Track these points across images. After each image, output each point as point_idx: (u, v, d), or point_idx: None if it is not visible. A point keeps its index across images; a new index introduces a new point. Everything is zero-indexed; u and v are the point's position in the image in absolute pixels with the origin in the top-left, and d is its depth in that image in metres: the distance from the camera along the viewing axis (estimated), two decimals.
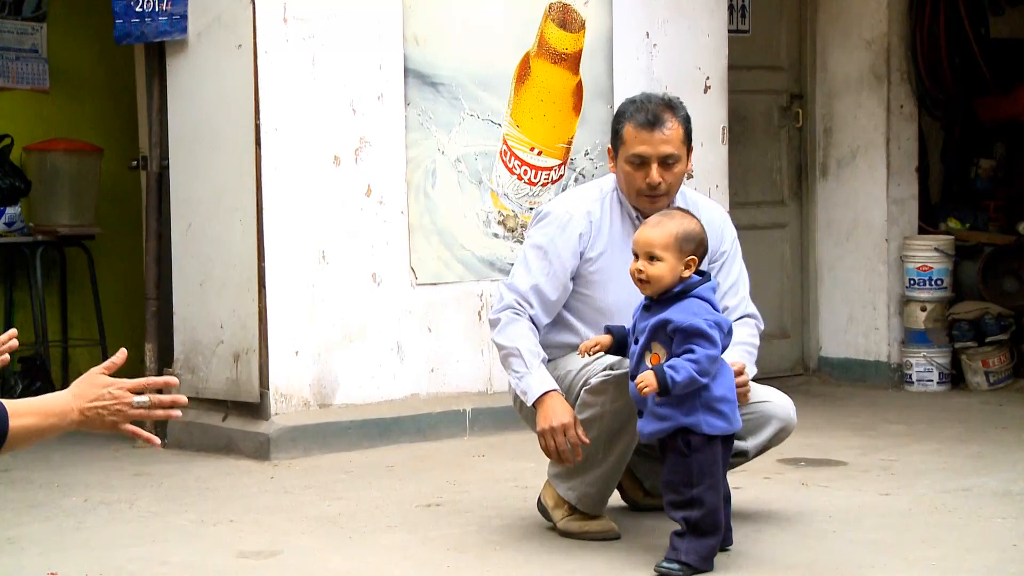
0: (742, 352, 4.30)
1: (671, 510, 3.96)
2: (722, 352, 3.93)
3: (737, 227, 4.69)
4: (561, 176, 6.62)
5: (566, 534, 4.39)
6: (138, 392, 2.99)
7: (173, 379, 3.13)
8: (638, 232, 4.01)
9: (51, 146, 7.24)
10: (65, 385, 7.23)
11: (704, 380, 3.83)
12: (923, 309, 7.75)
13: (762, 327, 4.54)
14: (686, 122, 4.34)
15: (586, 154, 6.67)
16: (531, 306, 4.35)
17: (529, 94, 6.56)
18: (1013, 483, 5.16)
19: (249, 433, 5.96)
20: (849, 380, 7.97)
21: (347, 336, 6.12)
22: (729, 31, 7.22)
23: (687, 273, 3.93)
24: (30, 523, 4.81)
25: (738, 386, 4.07)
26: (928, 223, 8.05)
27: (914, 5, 7.91)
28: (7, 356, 3.30)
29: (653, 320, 3.91)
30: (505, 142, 6.53)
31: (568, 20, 6.64)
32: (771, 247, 8.06)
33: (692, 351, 3.82)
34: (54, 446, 5.76)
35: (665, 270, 3.91)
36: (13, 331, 3.32)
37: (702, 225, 4.02)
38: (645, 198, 4.32)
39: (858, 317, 8.00)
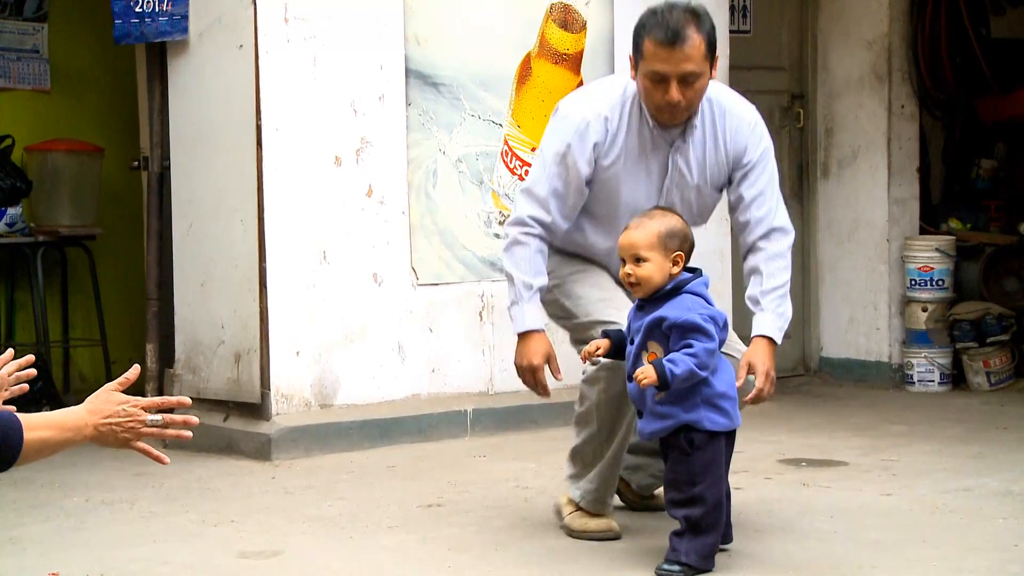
0: (773, 316, 4.27)
1: (672, 508, 3.97)
2: (723, 342, 3.96)
3: None
4: None
5: (569, 532, 4.41)
6: (151, 410, 3.02)
7: (186, 399, 3.15)
8: (621, 237, 4.03)
9: (52, 146, 7.22)
10: (66, 385, 7.30)
11: (703, 374, 3.84)
12: (924, 309, 7.75)
13: (792, 239, 4.43)
14: (710, 34, 4.16)
15: None
16: (548, 213, 4.33)
17: (530, 94, 6.56)
18: (1014, 483, 5.16)
19: (250, 433, 5.96)
20: (850, 380, 7.97)
21: (348, 336, 6.12)
22: (730, 31, 7.23)
23: (676, 270, 3.95)
24: (31, 523, 4.81)
25: (758, 394, 4.12)
26: (929, 223, 8.05)
27: (915, 5, 7.91)
28: (26, 385, 3.30)
29: (648, 319, 3.92)
30: (506, 142, 6.53)
31: (569, 20, 6.63)
32: None
33: (690, 346, 3.83)
34: None
35: (653, 270, 3.93)
36: (30, 358, 3.30)
37: (684, 221, 4.03)
38: (665, 113, 4.25)
39: (859, 317, 8.00)
